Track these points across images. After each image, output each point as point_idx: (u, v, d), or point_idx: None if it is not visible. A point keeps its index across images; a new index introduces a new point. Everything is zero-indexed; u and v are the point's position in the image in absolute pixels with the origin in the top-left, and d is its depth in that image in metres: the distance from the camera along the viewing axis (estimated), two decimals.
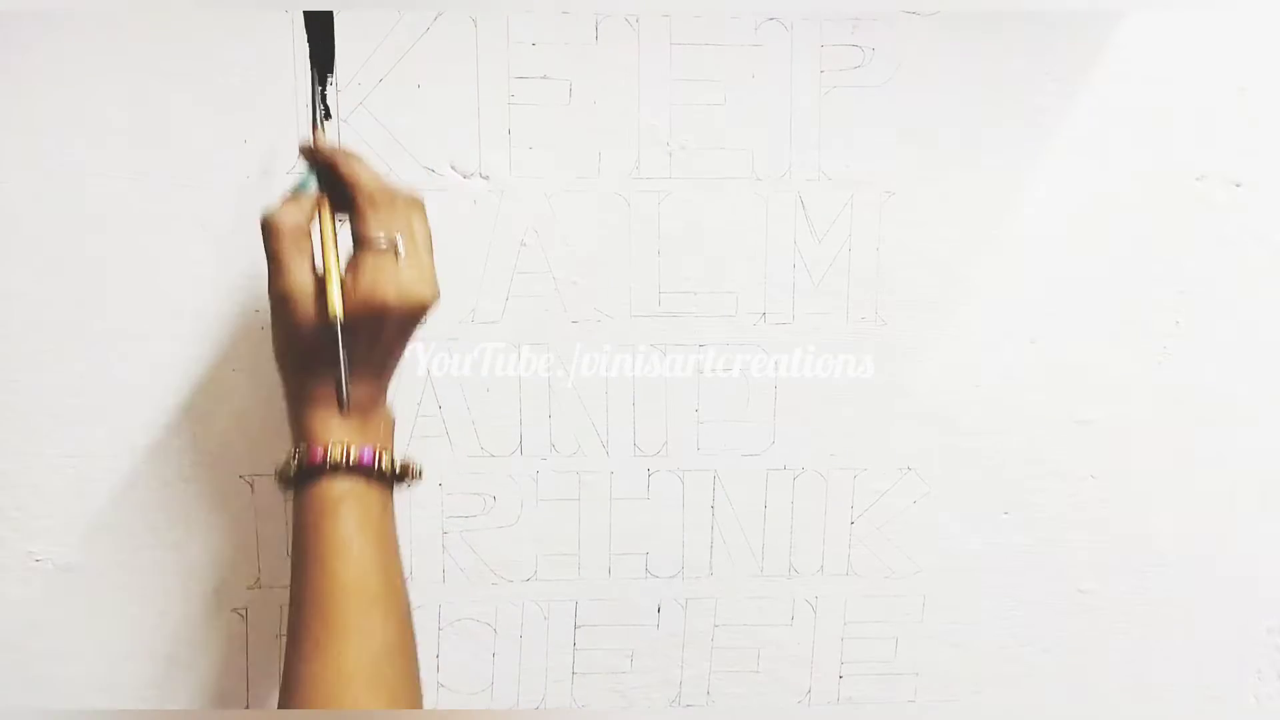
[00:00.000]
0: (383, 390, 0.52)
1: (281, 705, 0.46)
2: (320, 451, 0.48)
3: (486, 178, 0.57)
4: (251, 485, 0.58)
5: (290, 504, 0.50)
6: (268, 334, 0.57)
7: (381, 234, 0.48)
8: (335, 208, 0.50)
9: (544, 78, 0.56)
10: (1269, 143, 0.60)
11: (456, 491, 0.59)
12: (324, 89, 0.55)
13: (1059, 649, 0.64)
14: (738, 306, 0.59)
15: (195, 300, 0.57)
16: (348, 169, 0.50)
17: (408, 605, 0.50)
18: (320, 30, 0.55)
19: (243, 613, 0.60)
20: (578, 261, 0.58)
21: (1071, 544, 0.63)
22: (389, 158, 0.56)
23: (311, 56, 0.55)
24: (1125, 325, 0.61)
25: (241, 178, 0.56)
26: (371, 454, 0.49)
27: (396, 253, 0.48)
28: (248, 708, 0.60)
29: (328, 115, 0.55)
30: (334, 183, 0.50)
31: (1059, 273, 0.60)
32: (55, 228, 0.55)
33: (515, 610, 0.61)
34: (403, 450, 0.50)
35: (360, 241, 0.48)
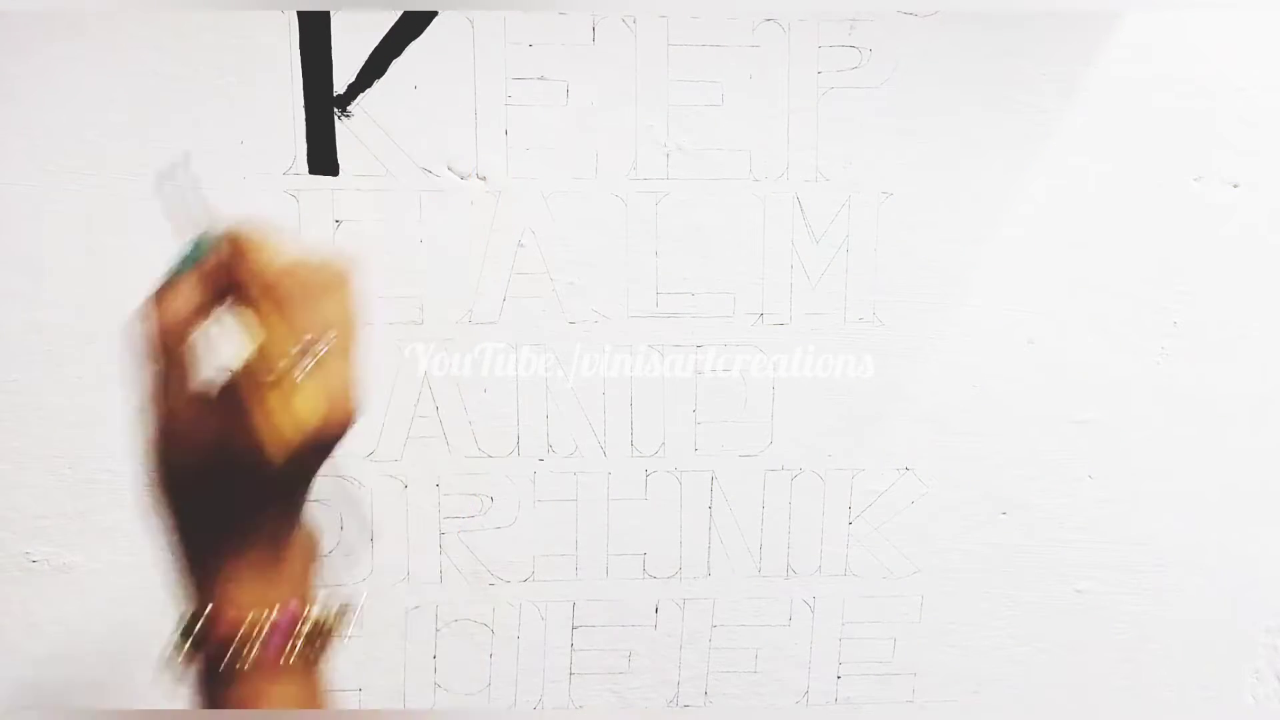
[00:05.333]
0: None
1: None
2: None
3: (484, 179, 0.57)
4: None
5: None
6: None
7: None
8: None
9: (541, 79, 0.56)
10: (1267, 143, 0.60)
11: (454, 492, 0.59)
12: None
13: (1056, 649, 0.64)
14: (735, 307, 0.59)
15: None
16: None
17: None
18: (316, 31, 0.55)
19: None
20: (575, 262, 0.58)
21: (1068, 544, 0.63)
22: (386, 158, 0.56)
23: None
24: (1123, 325, 0.61)
25: (239, 178, 0.56)
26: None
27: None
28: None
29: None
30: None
31: (1056, 273, 0.60)
32: (53, 228, 0.55)
33: (513, 611, 0.61)
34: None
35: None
